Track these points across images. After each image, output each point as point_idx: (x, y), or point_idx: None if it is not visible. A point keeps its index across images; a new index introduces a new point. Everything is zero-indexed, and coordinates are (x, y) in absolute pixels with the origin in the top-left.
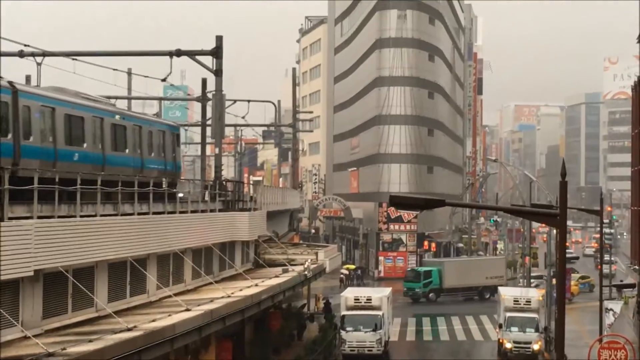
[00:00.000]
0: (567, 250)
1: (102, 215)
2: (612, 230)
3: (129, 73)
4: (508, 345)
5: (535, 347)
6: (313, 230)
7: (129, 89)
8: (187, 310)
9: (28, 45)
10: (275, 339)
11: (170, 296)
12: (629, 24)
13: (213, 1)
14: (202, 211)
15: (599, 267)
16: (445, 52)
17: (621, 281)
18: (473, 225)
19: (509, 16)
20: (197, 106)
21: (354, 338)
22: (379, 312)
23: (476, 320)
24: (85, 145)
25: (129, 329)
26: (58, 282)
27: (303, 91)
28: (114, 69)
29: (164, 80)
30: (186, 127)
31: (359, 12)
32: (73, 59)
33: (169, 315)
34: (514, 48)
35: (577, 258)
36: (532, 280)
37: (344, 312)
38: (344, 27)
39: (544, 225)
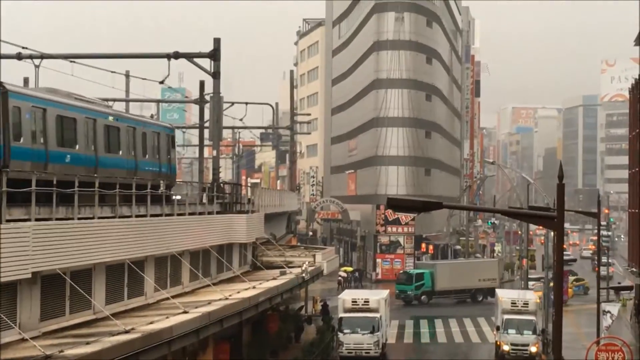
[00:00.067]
0: (564, 253)
1: (99, 218)
2: (610, 233)
3: (127, 75)
4: (506, 348)
5: (533, 349)
6: (311, 233)
7: (127, 91)
8: (185, 312)
9: (26, 48)
10: (273, 341)
11: (167, 298)
12: (628, 25)
13: (213, 1)
14: (200, 213)
15: (597, 269)
16: (443, 55)
17: (619, 283)
18: (470, 228)
19: (508, 16)
20: (195, 108)
21: (352, 340)
22: (377, 315)
23: (473, 323)
24: (77, 146)
25: (127, 332)
26: (56, 285)
27: (301, 93)
28: (112, 72)
29: (161, 82)
30: (184, 130)
31: (357, 14)
32: (71, 62)
33: (167, 318)
34: (512, 49)
35: (574, 260)
36: (532, 283)
37: (341, 315)
38: (342, 29)
39: (541, 227)
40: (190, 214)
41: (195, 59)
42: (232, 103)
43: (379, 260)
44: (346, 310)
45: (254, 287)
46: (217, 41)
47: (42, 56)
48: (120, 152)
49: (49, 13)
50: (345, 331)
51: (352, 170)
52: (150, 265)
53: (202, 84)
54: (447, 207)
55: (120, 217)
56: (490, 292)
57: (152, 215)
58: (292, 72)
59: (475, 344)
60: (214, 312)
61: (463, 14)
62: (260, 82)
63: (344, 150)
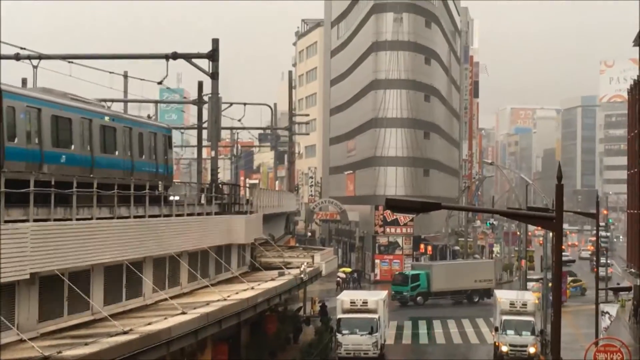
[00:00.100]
0: (563, 254)
1: (98, 218)
2: (608, 234)
3: (125, 76)
4: (504, 349)
5: (532, 350)
6: (309, 233)
7: (125, 92)
8: (183, 313)
9: (24, 48)
10: (271, 342)
11: (166, 299)
12: (628, 25)
13: (213, 1)
14: (199, 214)
15: (595, 270)
16: (442, 55)
17: (618, 284)
18: (469, 228)
19: (507, 16)
20: (194, 109)
21: (350, 341)
22: (375, 315)
23: (472, 324)
24: (73, 147)
25: (125, 332)
26: (54, 285)
27: (299, 94)
28: (110, 72)
29: (160, 83)
30: (182, 130)
31: (355, 15)
32: (69, 62)
33: (165, 319)
34: (511, 49)
35: (573, 261)
36: (532, 284)
37: (340, 315)
38: (341, 30)
39: (540, 228)
40: (188, 214)
41: (194, 60)
42: (231, 104)
43: (377, 261)
44: (345, 311)
45: (252, 288)
46: (215, 42)
47: (40, 57)
48: (117, 153)
49: (48, 13)
50: (343, 332)
51: (351, 171)
52: (149, 266)
53: (200, 84)
54: (446, 207)
55: (118, 217)
56: (487, 293)
57: (150, 216)
58: (290, 72)
59: (474, 345)
60: (212, 313)
61: (462, 14)
62: (259, 82)
63: (342, 150)
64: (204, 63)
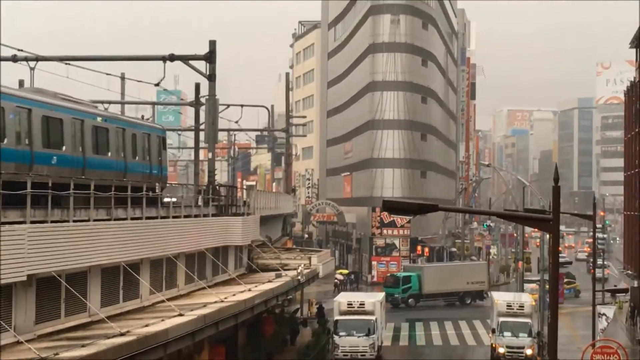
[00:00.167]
0: (560, 255)
1: (95, 220)
2: (605, 235)
3: (122, 78)
4: (501, 350)
5: (528, 351)
6: (306, 235)
7: (122, 94)
8: (180, 315)
9: (21, 50)
10: (269, 344)
11: (163, 301)
12: (624, 26)
13: (213, 1)
14: (196, 216)
15: (592, 271)
16: (439, 57)
17: (615, 286)
18: (466, 230)
19: (503, 17)
20: (191, 111)
21: (347, 343)
22: (372, 317)
23: (469, 325)
24: (64, 148)
25: (122, 334)
26: (51, 287)
27: (296, 96)
28: (107, 74)
29: (157, 85)
30: (179, 132)
31: (352, 16)
32: (66, 64)
33: (162, 320)
34: (508, 50)
35: (570, 263)
36: (530, 286)
37: (337, 317)
38: (338, 31)
39: (537, 230)
40: (185, 216)
41: (191, 62)
42: (228, 105)
43: (374, 263)
44: (342, 313)
45: (249, 290)
46: (212, 43)
47: (37, 58)
48: (109, 154)
49: (48, 13)
50: (340, 334)
51: (348, 173)
52: (146, 267)
53: (197, 86)
54: (443, 209)
55: (115, 219)
56: (479, 295)
57: (147, 218)
58: (287, 74)
59: (471, 347)
60: (209, 314)
61: (459, 16)
62: (257, 84)
63: (339, 152)
64: (202, 65)
